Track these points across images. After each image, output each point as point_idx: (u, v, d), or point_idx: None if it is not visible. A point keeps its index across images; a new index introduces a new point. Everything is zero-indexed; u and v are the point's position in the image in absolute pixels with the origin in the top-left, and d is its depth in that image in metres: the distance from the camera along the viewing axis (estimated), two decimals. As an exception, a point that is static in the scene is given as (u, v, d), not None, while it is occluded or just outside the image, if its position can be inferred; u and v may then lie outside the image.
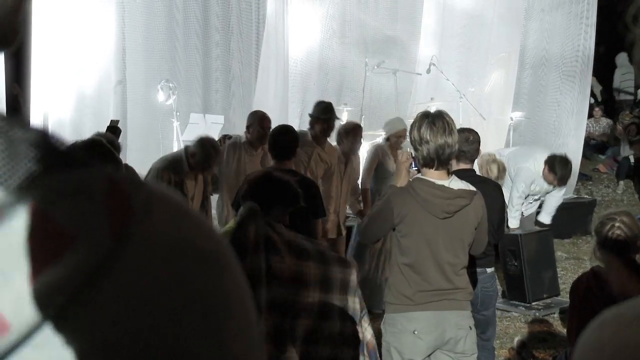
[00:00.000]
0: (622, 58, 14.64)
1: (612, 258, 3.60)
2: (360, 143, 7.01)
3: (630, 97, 15.38)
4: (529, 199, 7.55)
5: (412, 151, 3.82)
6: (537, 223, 7.81)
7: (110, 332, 0.45)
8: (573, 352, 0.70)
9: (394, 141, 7.08)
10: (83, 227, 0.46)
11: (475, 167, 5.20)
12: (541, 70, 11.15)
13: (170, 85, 8.22)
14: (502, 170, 7.47)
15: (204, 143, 5.94)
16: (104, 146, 4.63)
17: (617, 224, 3.56)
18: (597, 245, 3.61)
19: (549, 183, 7.39)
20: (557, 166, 7.30)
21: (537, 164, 7.40)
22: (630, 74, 15.10)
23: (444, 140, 3.60)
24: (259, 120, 6.39)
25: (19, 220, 0.45)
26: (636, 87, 15.79)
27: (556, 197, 7.82)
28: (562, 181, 7.35)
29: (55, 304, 0.44)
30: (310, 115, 6.69)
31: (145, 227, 0.48)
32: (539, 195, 7.59)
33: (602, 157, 13.87)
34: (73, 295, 0.45)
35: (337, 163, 6.59)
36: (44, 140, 0.49)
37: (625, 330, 0.65)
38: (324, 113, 6.55)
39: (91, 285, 0.45)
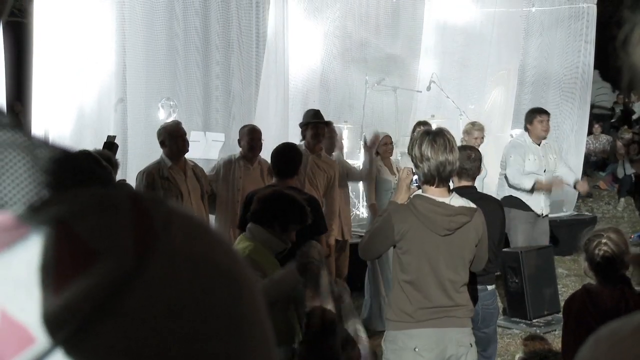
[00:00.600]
0: (595, 74, 14.79)
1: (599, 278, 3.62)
2: (337, 140, 7.15)
3: (603, 112, 15.53)
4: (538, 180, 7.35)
5: (413, 168, 3.83)
6: (575, 186, 7.75)
7: (132, 346, 0.46)
8: None
9: (382, 150, 7.16)
10: (107, 242, 0.47)
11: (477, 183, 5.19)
12: (541, 87, 11.19)
13: (171, 103, 8.25)
14: (478, 123, 7.54)
15: (166, 128, 5.96)
16: (94, 158, 4.65)
17: (604, 241, 3.58)
18: (586, 262, 3.63)
19: (542, 133, 7.30)
20: (529, 113, 7.45)
21: (522, 137, 7.45)
22: (604, 89, 15.24)
23: (444, 158, 3.61)
24: (248, 132, 6.44)
25: (44, 235, 0.46)
26: (624, 103, 15.90)
27: (565, 169, 7.70)
28: (543, 113, 7.35)
29: (79, 318, 0.45)
30: (300, 125, 6.76)
31: (166, 243, 0.49)
32: (545, 171, 7.39)
33: (602, 174, 13.88)
34: (96, 310, 0.46)
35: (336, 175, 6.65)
36: (68, 159, 0.50)
37: (619, 346, 0.66)
38: (313, 118, 6.65)
39: (114, 300, 0.46)
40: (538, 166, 7.32)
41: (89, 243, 0.47)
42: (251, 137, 6.37)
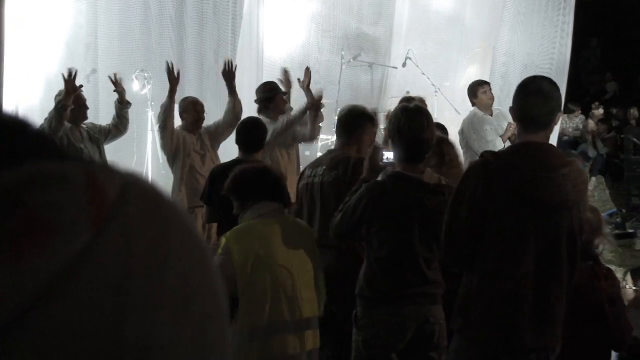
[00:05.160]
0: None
1: None
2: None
3: None
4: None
5: (389, 143, 3.82)
6: None
7: (83, 324, 0.45)
8: None
9: None
10: (61, 216, 0.46)
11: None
12: (516, 69, 11.17)
13: (145, 74, 8.19)
14: (419, 97, 7.70)
15: None
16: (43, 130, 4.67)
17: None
18: None
19: (489, 102, 7.54)
20: (471, 87, 7.68)
21: (472, 112, 7.61)
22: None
23: (421, 135, 3.61)
24: (192, 105, 6.50)
25: None
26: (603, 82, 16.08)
27: None
28: (484, 84, 7.66)
29: (32, 292, 0.44)
30: (260, 99, 6.61)
31: (121, 217, 0.48)
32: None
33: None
34: (51, 284, 0.45)
35: None
36: (21, 130, 0.49)
37: None
38: (272, 91, 6.59)
39: (69, 275, 0.45)
40: (495, 134, 7.49)
41: (42, 216, 0.45)
42: (197, 109, 6.48)
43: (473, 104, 7.60)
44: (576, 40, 11.12)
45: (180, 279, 0.50)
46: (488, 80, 8.49)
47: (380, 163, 3.83)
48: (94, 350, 0.45)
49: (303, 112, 6.51)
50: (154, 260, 0.49)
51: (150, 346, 0.48)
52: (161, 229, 0.51)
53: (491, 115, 7.53)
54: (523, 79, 3.36)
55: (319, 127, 7.04)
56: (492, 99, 7.56)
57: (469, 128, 7.52)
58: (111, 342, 0.46)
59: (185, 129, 6.41)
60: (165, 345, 0.48)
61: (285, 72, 7.11)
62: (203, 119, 6.60)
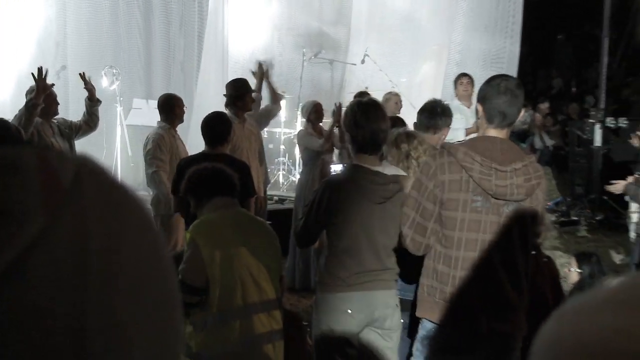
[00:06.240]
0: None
1: None
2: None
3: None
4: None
5: (348, 138, 3.87)
6: None
7: (42, 304, 0.45)
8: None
9: (314, 117, 7.13)
10: (13, 203, 0.45)
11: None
12: (468, 66, 11.41)
13: (114, 71, 8.23)
14: (394, 92, 7.89)
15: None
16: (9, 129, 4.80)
17: None
18: None
19: (463, 93, 7.95)
20: (457, 75, 8.03)
21: (453, 100, 7.90)
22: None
23: (378, 125, 3.68)
24: (180, 100, 6.39)
25: None
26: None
27: None
28: (462, 77, 8.06)
29: None
30: (230, 96, 6.51)
31: (76, 202, 0.48)
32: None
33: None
34: (6, 269, 0.44)
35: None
36: None
37: (585, 322, 0.57)
38: (243, 88, 6.54)
39: (22, 260, 0.45)
40: (463, 124, 7.69)
41: None
42: (181, 105, 6.34)
43: (456, 95, 8.05)
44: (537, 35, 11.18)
45: (135, 261, 0.51)
46: (442, 75, 8.74)
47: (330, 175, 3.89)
48: (57, 331, 0.45)
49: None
50: (109, 243, 0.48)
51: (111, 324, 0.48)
52: (115, 214, 0.50)
53: (468, 107, 7.82)
54: (490, 76, 3.42)
55: (279, 95, 7.32)
56: (467, 90, 7.93)
57: None
58: (73, 322, 0.46)
59: (172, 127, 6.25)
60: (125, 323, 0.49)
61: (260, 65, 7.24)
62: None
